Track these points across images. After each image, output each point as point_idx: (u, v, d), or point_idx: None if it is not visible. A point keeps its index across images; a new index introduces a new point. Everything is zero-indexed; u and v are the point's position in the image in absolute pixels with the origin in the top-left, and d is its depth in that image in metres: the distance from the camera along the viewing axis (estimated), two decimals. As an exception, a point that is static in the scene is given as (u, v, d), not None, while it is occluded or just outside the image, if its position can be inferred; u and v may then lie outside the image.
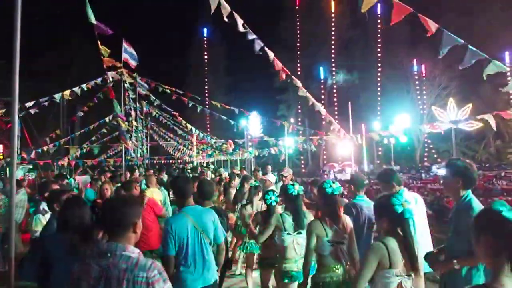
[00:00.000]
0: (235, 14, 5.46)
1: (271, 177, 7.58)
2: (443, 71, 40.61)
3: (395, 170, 4.42)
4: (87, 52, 31.69)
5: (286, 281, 4.03)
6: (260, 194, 5.56)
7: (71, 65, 35.22)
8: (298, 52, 43.91)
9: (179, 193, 3.65)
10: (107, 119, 17.31)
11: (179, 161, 30.07)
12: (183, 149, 28.42)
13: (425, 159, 40.42)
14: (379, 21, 43.29)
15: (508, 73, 38.81)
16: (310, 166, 44.41)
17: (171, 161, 28.75)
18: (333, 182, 3.58)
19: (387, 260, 2.49)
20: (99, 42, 9.14)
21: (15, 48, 2.66)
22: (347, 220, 3.53)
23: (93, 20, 7.70)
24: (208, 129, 24.61)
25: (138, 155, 14.65)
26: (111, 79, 11.97)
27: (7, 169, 14.64)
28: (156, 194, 6.65)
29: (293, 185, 4.16)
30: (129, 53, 11.52)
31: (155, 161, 29.05)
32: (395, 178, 3.96)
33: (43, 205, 5.22)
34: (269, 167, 9.23)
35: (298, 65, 43.34)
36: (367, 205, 4.29)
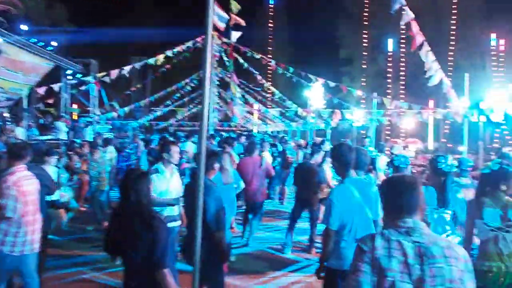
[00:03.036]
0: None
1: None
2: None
3: None
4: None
5: None
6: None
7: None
8: (366, 23, 42.27)
9: (342, 162, 3.35)
10: (183, 83, 18.07)
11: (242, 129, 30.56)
12: (248, 117, 28.54)
13: (495, 140, 38.25)
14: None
15: None
16: (383, 146, 43.44)
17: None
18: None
19: None
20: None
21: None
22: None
23: None
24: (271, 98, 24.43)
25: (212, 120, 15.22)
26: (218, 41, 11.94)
27: (88, 128, 15.91)
28: (269, 158, 8.13)
29: (445, 157, 3.79)
30: (217, 14, 11.36)
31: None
32: None
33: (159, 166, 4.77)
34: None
35: (365, 36, 41.91)
36: None
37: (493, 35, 38.09)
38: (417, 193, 1.94)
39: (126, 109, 20.42)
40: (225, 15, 11.54)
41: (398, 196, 1.94)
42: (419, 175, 14.47)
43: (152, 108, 26.67)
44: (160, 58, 12.95)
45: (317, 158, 7.29)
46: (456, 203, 3.70)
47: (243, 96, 22.30)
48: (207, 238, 3.25)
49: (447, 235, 3.68)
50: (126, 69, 13.67)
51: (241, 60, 16.08)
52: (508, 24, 36.85)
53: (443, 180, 3.68)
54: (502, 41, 38.05)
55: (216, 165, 4.08)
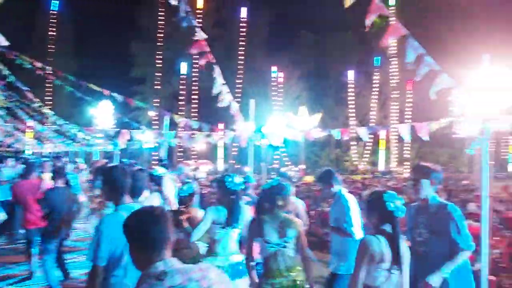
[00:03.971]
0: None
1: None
2: (298, 80, 44.57)
3: (333, 170, 4.57)
4: None
5: None
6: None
7: None
8: (160, 44, 42.81)
9: (114, 187, 3.05)
10: None
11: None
12: (17, 136, 24.50)
13: (275, 161, 43.38)
14: (242, 24, 44.91)
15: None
16: (167, 163, 43.80)
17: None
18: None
19: (379, 254, 2.56)
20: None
21: None
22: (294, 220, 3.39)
23: None
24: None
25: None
26: None
27: None
28: (49, 180, 7.79)
29: (231, 176, 4.00)
30: None
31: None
32: (335, 178, 4.19)
33: None
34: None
35: (159, 56, 42.40)
36: None
37: (274, 68, 43.60)
38: (167, 226, 1.83)
39: None
40: None
41: (146, 233, 1.77)
42: (209, 195, 15.12)
43: None
44: None
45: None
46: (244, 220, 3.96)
47: (10, 109, 19.22)
48: None
49: (231, 254, 3.90)
50: None
51: (7, 71, 13.83)
52: (285, 60, 43.20)
53: (233, 199, 3.90)
54: (281, 74, 43.84)
55: None
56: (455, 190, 20.90)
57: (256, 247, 3.39)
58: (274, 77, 43.98)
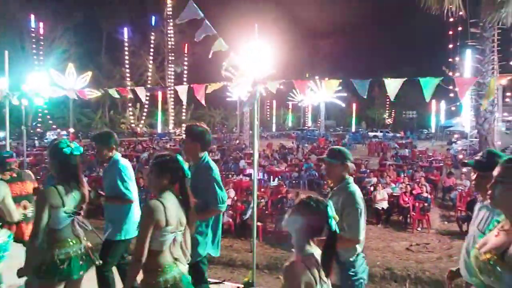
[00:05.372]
0: None
1: None
2: (63, 33, 40.61)
3: (113, 132, 4.32)
4: None
5: None
6: None
7: None
8: None
9: None
10: None
11: None
12: None
13: (39, 124, 39.42)
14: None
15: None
16: None
17: None
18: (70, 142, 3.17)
19: (163, 219, 2.55)
20: None
21: None
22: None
23: None
24: None
25: None
26: None
27: None
28: None
29: None
30: None
31: None
32: (114, 141, 4.09)
33: None
34: None
35: None
36: None
37: (33, 17, 38.62)
38: None
39: None
40: None
41: None
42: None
43: None
44: None
45: None
46: None
47: None
48: None
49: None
50: None
51: None
52: (47, 8, 38.54)
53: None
54: (41, 24, 39.20)
55: None
56: (228, 149, 23.10)
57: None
58: (33, 28, 39.07)
